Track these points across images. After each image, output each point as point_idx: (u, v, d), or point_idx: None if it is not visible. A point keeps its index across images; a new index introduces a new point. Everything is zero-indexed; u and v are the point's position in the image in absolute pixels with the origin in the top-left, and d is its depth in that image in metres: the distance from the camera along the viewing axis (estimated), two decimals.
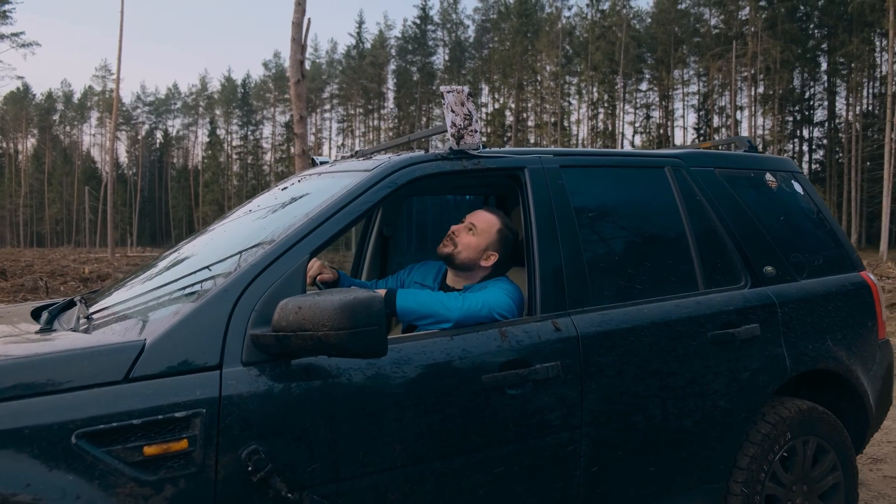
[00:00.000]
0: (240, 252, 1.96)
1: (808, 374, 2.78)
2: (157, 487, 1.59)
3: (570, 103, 63.03)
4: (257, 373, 1.76)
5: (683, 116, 65.56)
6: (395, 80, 73.56)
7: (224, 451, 1.67)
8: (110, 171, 34.70)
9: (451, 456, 1.98)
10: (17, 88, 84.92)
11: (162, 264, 2.43)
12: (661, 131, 62.23)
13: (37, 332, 1.95)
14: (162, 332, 1.72)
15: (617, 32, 55.93)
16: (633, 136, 63.13)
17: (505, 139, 60.74)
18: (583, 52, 58.16)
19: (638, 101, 63.61)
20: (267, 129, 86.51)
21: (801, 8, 51.00)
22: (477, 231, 2.46)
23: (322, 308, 1.67)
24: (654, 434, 2.34)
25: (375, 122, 77.69)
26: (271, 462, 1.70)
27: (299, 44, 9.76)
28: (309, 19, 9.83)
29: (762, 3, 49.65)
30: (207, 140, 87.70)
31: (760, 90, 52.28)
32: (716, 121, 57.90)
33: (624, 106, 60.90)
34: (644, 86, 62.79)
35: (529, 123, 64.43)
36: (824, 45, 51.97)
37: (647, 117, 63.85)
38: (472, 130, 2.27)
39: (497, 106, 66.44)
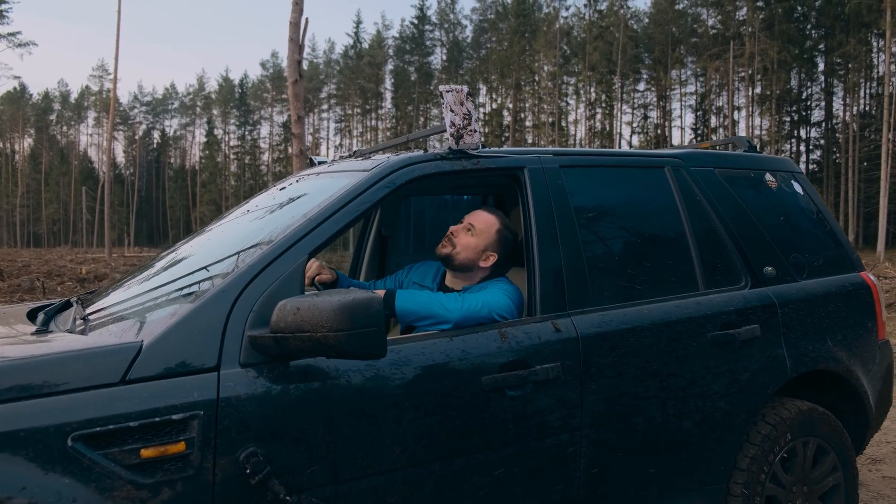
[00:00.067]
0: (237, 253, 1.95)
1: (808, 374, 2.77)
2: (154, 490, 1.57)
3: (567, 103, 63.08)
4: (255, 374, 1.74)
5: (681, 116, 65.67)
6: (392, 81, 73.51)
7: (222, 454, 1.65)
8: (107, 171, 34.60)
9: (451, 458, 1.97)
10: (14, 88, 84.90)
11: (159, 265, 2.41)
12: (659, 131, 62.27)
13: (33, 334, 1.94)
14: (159, 333, 1.70)
15: (615, 32, 55.94)
16: (631, 136, 63.23)
17: (503, 139, 60.75)
18: (580, 52, 58.18)
19: (635, 101, 63.65)
20: (264, 129, 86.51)
21: (799, 8, 51.08)
22: (476, 231, 2.45)
23: (321, 309, 1.65)
24: (654, 435, 2.33)
25: (373, 123, 77.67)
26: (269, 464, 1.69)
27: (297, 44, 9.74)
28: (307, 19, 9.82)
29: (759, 4, 49.71)
30: (205, 140, 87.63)
31: (758, 90, 52.35)
32: (713, 121, 57.96)
33: (621, 106, 60.94)
34: (642, 86, 62.85)
35: (527, 123, 64.45)
36: (821, 46, 52.06)
37: (645, 117, 63.88)
38: (471, 130, 2.25)
39: (495, 106, 66.46)
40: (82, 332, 1.88)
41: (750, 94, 52.47)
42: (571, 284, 2.29)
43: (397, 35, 73.05)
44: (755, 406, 2.57)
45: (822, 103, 54.50)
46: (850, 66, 49.23)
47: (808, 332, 2.74)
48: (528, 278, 2.29)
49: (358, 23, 78.40)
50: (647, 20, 60.17)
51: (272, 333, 1.71)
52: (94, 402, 1.56)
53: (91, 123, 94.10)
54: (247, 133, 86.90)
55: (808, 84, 54.76)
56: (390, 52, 73.13)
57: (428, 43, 71.08)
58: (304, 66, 10.58)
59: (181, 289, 1.93)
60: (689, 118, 62.87)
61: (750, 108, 52.85)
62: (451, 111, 2.22)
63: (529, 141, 61.91)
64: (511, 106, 63.64)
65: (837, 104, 54.13)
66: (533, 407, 2.09)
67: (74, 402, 1.55)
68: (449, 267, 2.51)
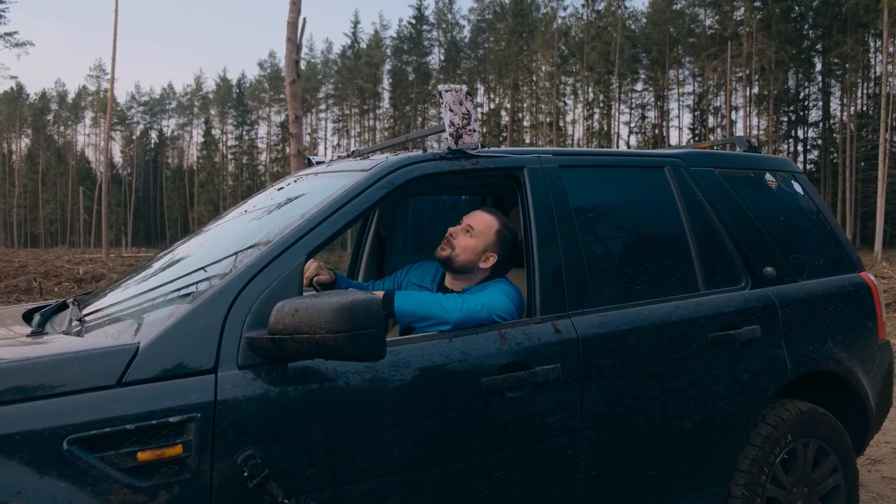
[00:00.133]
0: (235, 253, 1.93)
1: (808, 375, 2.76)
2: (150, 494, 1.56)
3: (565, 103, 63.08)
4: (253, 376, 1.73)
5: (679, 117, 65.96)
6: (390, 80, 73.48)
7: (219, 457, 1.63)
8: (105, 171, 34.56)
9: (450, 460, 1.96)
10: (11, 88, 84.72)
11: (156, 266, 2.39)
12: (657, 131, 62.32)
13: (28, 336, 1.92)
14: (156, 335, 1.69)
15: (612, 33, 55.98)
16: (629, 136, 63.27)
17: (501, 139, 60.76)
18: (578, 52, 58.21)
19: (633, 101, 63.68)
20: (262, 129, 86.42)
21: (796, 8, 51.15)
22: (475, 233, 2.43)
23: (319, 310, 1.64)
24: (654, 437, 2.32)
25: (371, 122, 77.64)
26: (267, 467, 1.67)
27: (294, 43, 9.72)
28: (304, 19, 9.79)
29: (757, 4, 49.76)
30: (202, 140, 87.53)
31: (755, 90, 52.38)
32: (711, 121, 58.02)
33: (619, 106, 61.01)
34: (639, 86, 62.89)
35: (525, 123, 64.46)
36: (819, 46, 52.14)
37: (643, 117, 63.92)
38: (470, 130, 2.24)
39: (493, 106, 66.46)
40: (78, 334, 1.86)
41: (747, 94, 52.53)
42: (571, 285, 2.28)
43: (395, 35, 73.07)
44: (756, 407, 2.56)
45: (820, 103, 54.60)
46: (847, 66, 49.32)
47: (809, 333, 2.73)
48: (527, 279, 2.28)
49: (356, 23, 78.36)
50: (644, 20, 60.22)
51: (270, 335, 1.69)
52: (91, 405, 1.55)
53: (88, 123, 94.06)
54: (244, 133, 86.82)
55: (806, 84, 54.84)
56: (388, 52, 73.11)
57: (426, 43, 71.06)
58: (302, 66, 10.57)
59: (178, 290, 1.91)
60: (687, 118, 63.12)
61: (747, 108, 52.91)
62: (450, 111, 2.21)
63: (527, 141, 61.92)
64: (509, 106, 63.65)
65: (835, 104, 54.27)
66: (533, 409, 2.08)
67: (70, 405, 1.54)
68: (449, 269, 2.50)
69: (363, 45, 74.72)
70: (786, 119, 55.07)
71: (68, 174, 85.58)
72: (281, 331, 1.67)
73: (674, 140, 63.82)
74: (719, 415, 2.46)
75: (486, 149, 2.37)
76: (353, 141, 78.08)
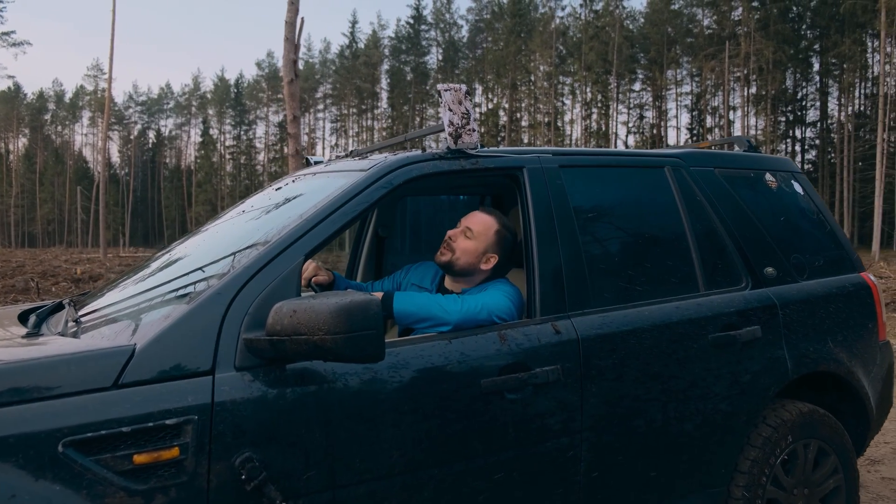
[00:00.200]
0: (233, 254, 1.92)
1: (808, 376, 2.75)
2: (147, 497, 1.54)
3: (563, 103, 63.10)
4: (251, 378, 1.71)
5: (677, 117, 66.07)
6: (388, 80, 73.45)
7: (217, 459, 1.62)
8: (102, 171, 34.52)
9: (450, 462, 1.94)
10: (8, 88, 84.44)
11: (153, 266, 2.38)
12: (655, 131, 62.37)
13: (23, 337, 1.90)
14: (152, 336, 1.67)
15: (610, 33, 56.01)
16: (627, 136, 63.30)
17: (499, 139, 60.75)
18: (576, 52, 58.24)
19: (631, 101, 63.74)
20: (260, 129, 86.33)
21: (794, 9, 51.20)
22: (474, 235, 2.41)
23: (318, 312, 1.62)
24: (654, 438, 2.31)
25: (369, 122, 77.62)
26: (265, 470, 1.65)
27: (292, 43, 9.71)
28: (302, 18, 9.78)
29: (755, 4, 49.81)
30: (200, 140, 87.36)
31: (753, 90, 52.42)
32: (709, 121, 58.07)
33: (617, 106, 61.06)
34: (637, 86, 62.93)
35: (523, 123, 64.47)
36: (816, 46, 52.22)
37: (641, 117, 63.97)
38: (469, 129, 2.22)
39: (491, 106, 66.45)
40: (74, 335, 1.85)
41: (745, 94, 52.55)
42: (571, 285, 2.26)
43: (393, 35, 73.02)
44: (756, 408, 2.55)
45: (818, 103, 54.68)
46: (845, 66, 49.40)
47: (809, 334, 2.72)
48: (527, 279, 2.27)
49: (354, 22, 78.53)
50: (642, 20, 60.26)
51: (268, 336, 1.68)
52: (86, 407, 1.53)
53: (86, 123, 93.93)
54: (242, 133, 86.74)
55: (804, 84, 54.92)
56: (386, 51, 73.07)
57: (424, 43, 71.04)
58: (300, 65, 10.56)
59: (175, 290, 1.89)
60: (685, 118, 63.22)
61: (745, 108, 52.92)
62: (450, 110, 2.19)
63: (525, 141, 61.92)
64: (507, 106, 63.65)
65: (832, 104, 54.35)
66: (533, 410, 2.06)
67: (66, 407, 1.52)
68: (449, 273, 2.48)
69: (361, 45, 74.70)
70: (783, 119, 55.15)
71: (66, 174, 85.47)
72: (279, 332, 1.65)
73: (672, 140, 63.91)
74: (720, 416, 2.45)
75: (486, 148, 2.36)
76: (351, 141, 78.06)
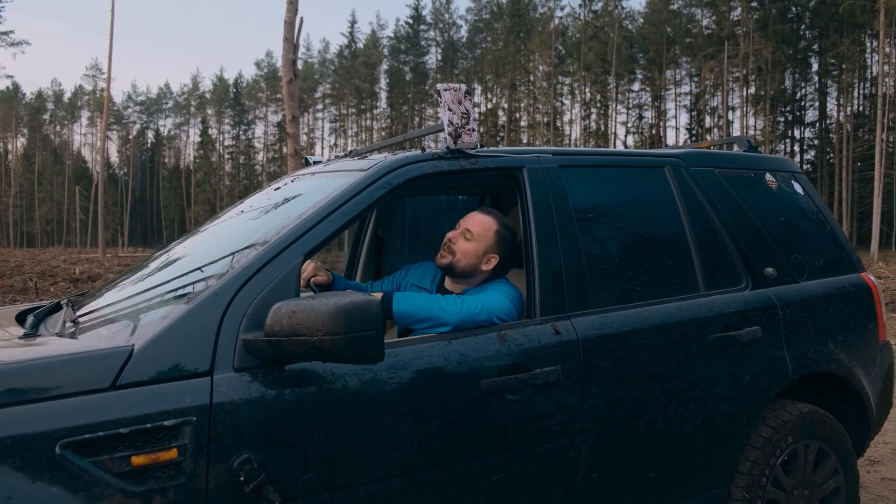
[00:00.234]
0: (232, 254, 1.91)
1: (808, 376, 2.75)
2: (145, 499, 1.53)
3: (562, 103, 63.11)
4: (249, 379, 1.70)
5: (675, 117, 65.85)
6: (387, 80, 73.43)
7: (215, 461, 1.61)
8: (101, 171, 34.49)
9: (450, 463, 1.93)
10: (7, 87, 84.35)
11: (151, 266, 2.37)
12: (654, 131, 62.38)
13: (21, 338, 1.89)
14: (151, 337, 1.66)
15: (609, 33, 56.01)
16: (626, 136, 63.30)
17: (497, 139, 60.73)
18: (575, 52, 58.23)
19: (630, 101, 63.74)
20: (259, 129, 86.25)
21: (793, 9, 51.23)
22: (474, 236, 2.40)
23: (317, 312, 1.61)
24: (655, 439, 2.30)
25: (368, 122, 77.58)
26: (264, 471, 1.65)
27: (291, 43, 9.70)
28: (301, 18, 9.77)
29: (754, 4, 49.84)
30: (199, 140, 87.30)
31: (752, 91, 52.46)
32: (708, 121, 58.09)
33: (616, 106, 61.05)
34: (636, 86, 62.94)
35: (522, 123, 64.47)
36: (815, 46, 52.25)
37: (640, 117, 63.98)
38: (469, 129, 2.22)
39: (490, 106, 66.42)
40: (72, 336, 1.84)
41: (744, 94, 52.58)
42: (571, 286, 2.26)
43: (392, 35, 73.01)
44: (756, 409, 2.54)
45: (816, 103, 54.72)
46: (843, 66, 49.44)
47: (810, 334, 2.71)
48: (527, 279, 2.26)
49: (353, 22, 78.49)
50: (641, 20, 60.27)
51: (267, 337, 1.67)
52: (84, 409, 1.52)
53: (85, 123, 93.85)
54: (241, 133, 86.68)
55: (803, 84, 54.95)
56: (385, 51, 73.04)
57: (423, 43, 71.03)
58: (299, 65, 10.54)
59: (173, 291, 1.88)
60: (684, 118, 63.19)
61: (744, 109, 52.95)
62: (449, 110, 2.18)
63: (524, 141, 61.91)
64: (506, 106, 63.63)
65: (831, 104, 54.39)
66: (533, 411, 2.05)
67: (63, 409, 1.51)
68: (451, 275, 2.46)
69: (360, 45, 74.67)
70: (782, 119, 55.18)
71: (65, 174, 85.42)
72: (278, 333, 1.65)
73: (671, 140, 63.92)
74: (720, 416, 2.44)
75: (485, 148, 2.35)
76: (350, 141, 78.04)
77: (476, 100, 67.70)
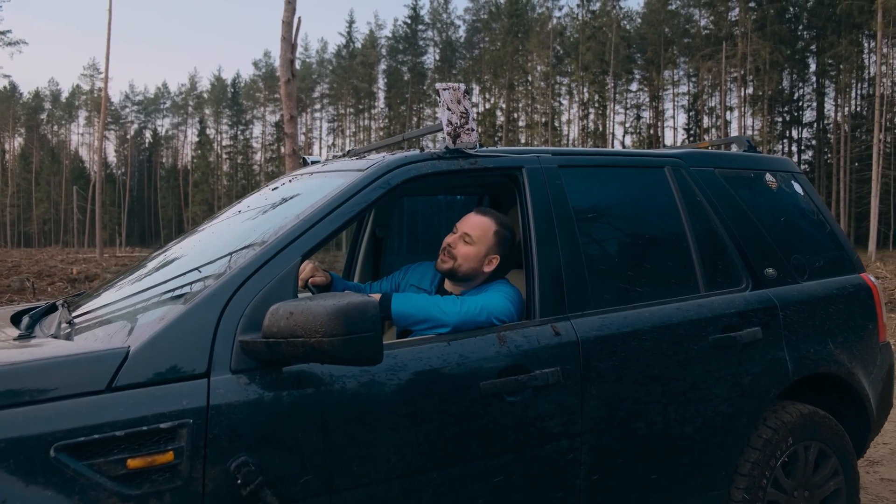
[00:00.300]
0: (229, 254, 1.89)
1: (809, 377, 2.74)
2: (141, 502, 1.51)
3: (560, 103, 63.15)
4: (247, 381, 1.68)
5: (673, 117, 65.92)
6: (385, 80, 73.43)
7: (212, 464, 1.59)
8: (99, 171, 34.39)
9: (449, 465, 1.92)
10: (4, 87, 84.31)
11: (148, 267, 2.35)
12: (652, 132, 62.43)
13: (15, 339, 1.87)
14: (147, 338, 1.64)
15: (607, 33, 56.03)
16: (624, 136, 63.36)
17: (496, 139, 60.75)
18: (573, 52, 58.26)
19: (628, 101, 63.81)
20: (257, 129, 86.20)
21: (791, 9, 51.29)
22: (473, 239, 2.37)
23: (314, 313, 1.60)
24: (655, 441, 2.29)
25: (366, 122, 77.54)
26: (261, 474, 1.63)
27: (289, 42, 9.67)
28: (299, 18, 9.75)
29: (752, 5, 49.90)
30: (197, 140, 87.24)
31: (750, 91, 52.53)
32: (706, 121, 58.16)
33: (614, 106, 61.07)
34: (634, 86, 63.02)
35: (520, 123, 64.49)
36: (813, 47, 52.32)
37: (638, 117, 64.07)
38: (468, 129, 2.20)
39: (488, 106, 66.41)
40: (67, 337, 1.82)
41: (742, 94, 52.67)
42: (571, 287, 2.24)
43: (390, 35, 73.03)
44: (757, 410, 2.53)
45: (814, 104, 54.83)
46: (841, 66, 49.53)
47: (810, 335, 2.70)
48: (526, 280, 2.24)
49: (351, 22, 78.49)
50: (639, 20, 60.33)
51: (264, 338, 1.65)
52: (79, 411, 1.50)
53: (82, 123, 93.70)
54: (239, 133, 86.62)
55: (800, 85, 55.03)
56: (383, 51, 73.03)
57: (421, 43, 71.04)
58: (297, 65, 10.53)
59: (170, 292, 1.87)
60: (682, 118, 63.27)
61: (742, 109, 53.05)
62: (448, 109, 2.17)
63: (522, 141, 61.93)
64: (504, 106, 63.65)
65: (829, 105, 54.50)
66: (532, 413, 2.04)
67: (58, 411, 1.49)
68: (453, 280, 2.44)
69: (358, 45, 74.65)
70: (780, 119, 55.25)
71: (62, 173, 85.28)
72: (275, 334, 1.63)
73: (668, 140, 63.98)
74: (720, 418, 2.43)
75: (484, 148, 2.33)
76: (348, 141, 78.00)
77: (474, 100, 67.68)
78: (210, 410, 1.61)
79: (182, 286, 1.86)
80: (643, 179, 2.64)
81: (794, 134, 56.81)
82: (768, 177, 2.96)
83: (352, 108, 77.08)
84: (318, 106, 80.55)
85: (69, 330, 1.87)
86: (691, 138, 56.66)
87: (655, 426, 2.28)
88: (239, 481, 1.60)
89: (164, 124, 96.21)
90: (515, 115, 64.75)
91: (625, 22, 59.30)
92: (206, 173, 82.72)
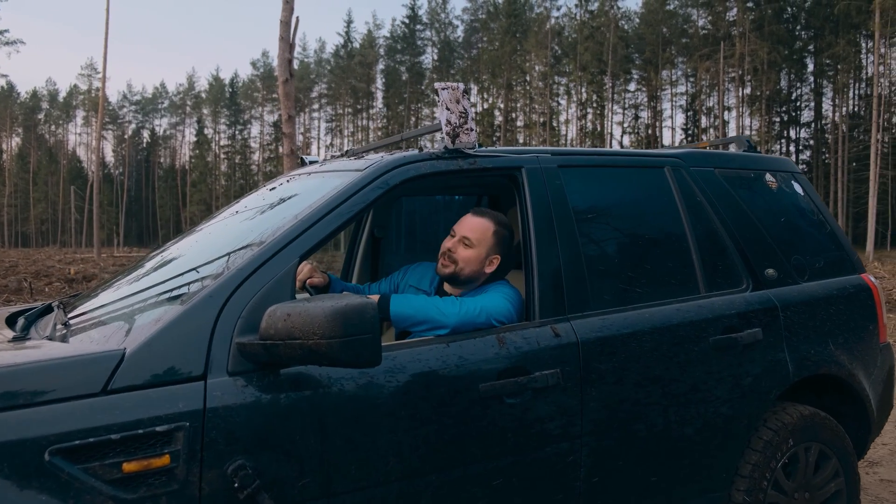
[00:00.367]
0: (226, 255, 1.88)
1: (809, 378, 2.72)
2: None
3: (558, 103, 63.14)
4: (244, 383, 1.67)
5: (672, 117, 65.89)
6: (383, 80, 73.37)
7: (209, 467, 1.58)
8: (96, 171, 34.31)
9: (448, 468, 1.90)
10: (2, 87, 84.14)
11: (145, 267, 2.33)
12: (650, 132, 62.45)
13: (10, 341, 1.85)
14: (143, 340, 1.63)
15: (605, 33, 56.04)
16: (622, 136, 63.37)
17: (494, 139, 60.73)
18: (571, 52, 58.26)
19: (626, 101, 63.82)
20: (255, 129, 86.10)
21: (788, 9, 51.33)
22: (473, 242, 2.35)
23: (312, 315, 1.58)
24: (655, 442, 2.28)
25: (364, 122, 77.47)
26: (259, 478, 1.61)
27: (287, 42, 9.66)
28: (297, 18, 9.74)
29: (749, 5, 49.92)
30: (195, 139, 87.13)
31: (748, 91, 52.56)
32: (704, 121, 58.19)
33: (612, 106, 61.07)
34: (632, 86, 63.00)
35: (518, 123, 64.47)
36: (811, 47, 52.37)
37: (636, 118, 64.06)
38: (467, 129, 2.18)
39: (486, 106, 66.38)
40: (63, 339, 1.80)
41: (740, 94, 52.70)
42: (571, 288, 2.23)
43: (388, 35, 73.00)
44: (757, 411, 2.51)
45: (812, 104, 54.88)
46: (839, 66, 49.54)
47: (810, 336, 2.69)
48: (525, 281, 2.23)
49: (349, 22, 78.60)
50: (637, 20, 60.34)
51: (262, 340, 1.64)
52: (74, 414, 1.49)
53: (80, 122, 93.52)
54: (237, 132, 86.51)
55: (798, 85, 55.09)
56: (381, 51, 72.99)
57: (419, 43, 70.99)
58: (295, 65, 10.51)
59: (166, 293, 1.85)
60: (680, 118, 63.19)
61: (740, 109, 53.08)
62: (447, 109, 2.15)
63: (521, 141, 61.92)
64: (502, 106, 63.62)
65: (827, 105, 54.54)
66: (532, 415, 2.03)
67: (53, 414, 1.47)
68: (455, 284, 2.41)
69: (356, 45, 74.58)
70: (778, 119, 55.30)
71: (59, 173, 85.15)
72: (273, 336, 1.61)
73: (667, 140, 64.00)
74: (721, 419, 2.41)
75: (484, 148, 2.32)
76: (346, 140, 77.95)
77: (472, 100, 67.57)
78: (207, 413, 1.59)
79: (179, 287, 1.84)
80: (643, 180, 2.63)
81: (792, 134, 56.90)
82: (768, 177, 2.95)
83: (350, 107, 77.00)
84: (316, 106, 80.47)
85: (65, 332, 1.85)
86: (689, 138, 56.70)
87: (656, 428, 2.27)
88: (236, 485, 1.58)
89: (161, 124, 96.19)
90: (513, 115, 64.74)
91: (623, 22, 59.31)
92: (204, 173, 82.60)
